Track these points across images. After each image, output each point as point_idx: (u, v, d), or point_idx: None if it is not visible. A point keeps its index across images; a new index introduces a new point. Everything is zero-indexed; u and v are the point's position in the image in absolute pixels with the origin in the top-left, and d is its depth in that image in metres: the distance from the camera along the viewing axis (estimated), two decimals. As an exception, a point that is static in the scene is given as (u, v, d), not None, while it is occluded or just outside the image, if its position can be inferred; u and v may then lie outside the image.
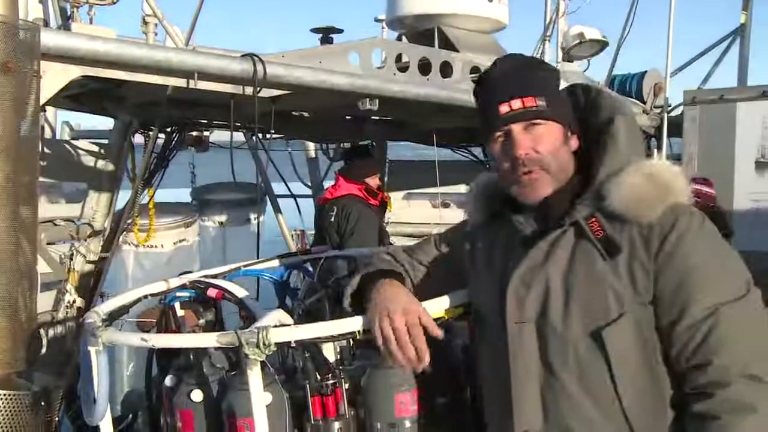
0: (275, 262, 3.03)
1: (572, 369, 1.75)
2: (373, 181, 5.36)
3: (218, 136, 6.66)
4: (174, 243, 6.12)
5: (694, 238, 1.72)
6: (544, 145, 1.79)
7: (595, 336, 1.72)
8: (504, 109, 1.80)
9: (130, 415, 5.39)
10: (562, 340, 1.76)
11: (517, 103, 1.79)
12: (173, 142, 5.37)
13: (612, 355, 1.71)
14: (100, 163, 5.03)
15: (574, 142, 1.88)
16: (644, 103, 5.91)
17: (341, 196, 5.20)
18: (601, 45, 6.05)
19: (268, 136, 5.38)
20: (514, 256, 1.89)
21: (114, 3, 3.64)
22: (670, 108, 5.74)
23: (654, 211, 1.73)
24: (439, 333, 1.90)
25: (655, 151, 5.76)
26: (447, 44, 5.39)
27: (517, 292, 1.81)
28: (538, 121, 1.80)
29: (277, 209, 7.38)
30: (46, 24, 3.59)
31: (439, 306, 2.11)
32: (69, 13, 3.60)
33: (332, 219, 5.14)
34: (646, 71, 6.09)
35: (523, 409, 1.80)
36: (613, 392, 1.72)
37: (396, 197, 7.33)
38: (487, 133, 1.87)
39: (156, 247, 5.93)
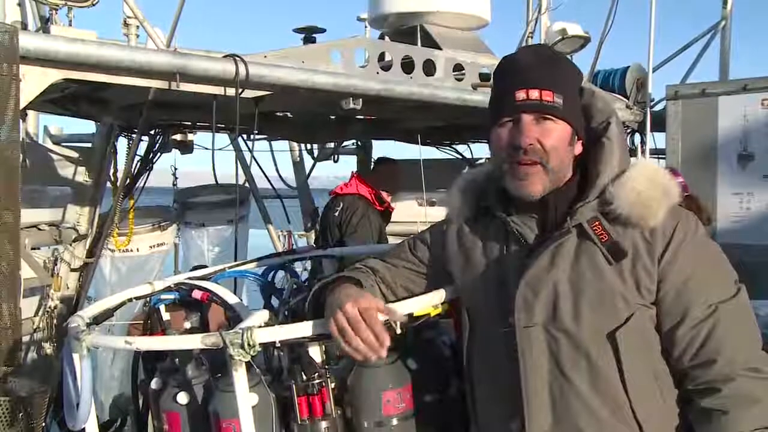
0: (261, 263, 3.03)
1: (583, 370, 1.77)
2: (386, 194, 5.41)
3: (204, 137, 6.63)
4: (150, 246, 6.11)
5: (693, 242, 1.78)
6: (550, 141, 1.79)
7: (609, 338, 1.75)
8: (521, 95, 1.78)
9: (119, 419, 5.38)
10: (574, 342, 1.78)
11: (534, 93, 1.78)
12: (157, 145, 5.34)
13: (623, 356, 1.74)
14: (84, 168, 4.99)
15: (578, 148, 1.88)
16: (627, 98, 5.93)
17: (349, 194, 5.24)
18: (584, 41, 6.06)
19: (252, 136, 5.37)
20: (511, 258, 1.89)
21: (94, 5, 3.60)
22: (653, 103, 5.76)
23: (658, 215, 1.77)
24: (400, 314, 1.90)
25: (639, 145, 5.78)
26: (430, 42, 5.39)
27: (525, 296, 1.82)
28: (550, 116, 1.79)
29: (262, 210, 7.36)
30: (25, 27, 3.56)
31: (423, 303, 2.11)
32: (48, 15, 3.57)
33: (336, 214, 5.20)
34: (628, 66, 6.11)
35: (536, 412, 1.81)
36: (623, 392, 1.75)
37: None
38: (495, 116, 1.85)
39: (132, 251, 5.91)
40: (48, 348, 4.61)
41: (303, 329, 1.98)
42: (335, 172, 7.97)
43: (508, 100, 1.81)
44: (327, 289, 1.97)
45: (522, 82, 1.79)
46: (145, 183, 5.38)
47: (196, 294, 2.51)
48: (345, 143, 7.52)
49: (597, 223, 1.79)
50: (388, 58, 4.65)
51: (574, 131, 1.84)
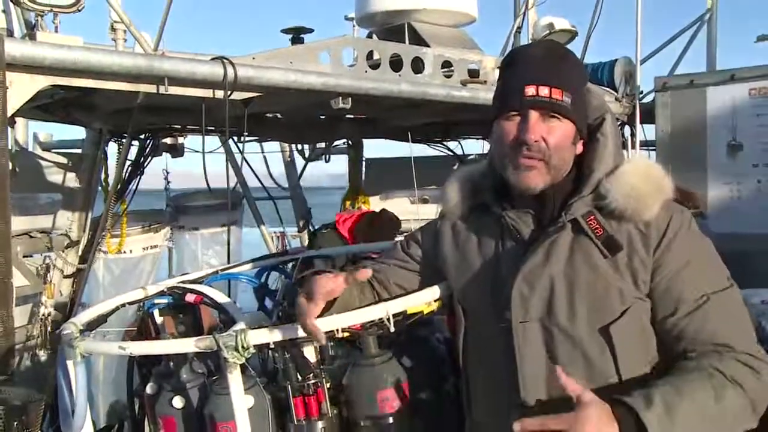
0: (253, 265, 3.02)
1: (579, 365, 1.78)
2: None
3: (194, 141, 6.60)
4: (143, 248, 6.09)
5: (686, 235, 1.79)
6: (554, 139, 1.80)
7: (603, 332, 1.76)
8: (530, 91, 1.79)
9: (116, 425, 5.37)
10: (569, 336, 1.79)
11: (544, 91, 1.78)
12: (147, 150, 5.32)
13: (618, 350, 1.75)
14: (74, 174, 4.98)
15: (579, 147, 1.89)
16: (616, 90, 5.94)
17: None
18: (571, 35, 6.07)
19: (242, 138, 5.36)
20: (507, 253, 1.90)
21: (79, 10, 3.58)
22: (641, 95, 5.76)
23: (652, 209, 1.78)
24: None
25: (629, 138, 5.79)
26: (417, 40, 5.38)
27: (521, 292, 1.83)
28: (557, 115, 1.80)
29: (255, 211, 7.35)
30: (11, 34, 3.53)
31: (418, 300, 2.12)
32: (34, 22, 3.55)
33: None
34: (616, 59, 6.12)
35: (532, 408, 1.81)
36: (619, 385, 1.75)
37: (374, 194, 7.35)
38: (502, 107, 1.85)
39: (125, 252, 5.89)
40: (42, 355, 4.59)
41: (297, 330, 1.98)
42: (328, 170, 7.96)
43: (516, 94, 1.81)
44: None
45: (533, 78, 1.80)
46: (136, 187, 5.37)
47: (189, 297, 2.51)
48: (336, 142, 7.51)
49: (592, 217, 1.80)
50: (376, 56, 4.64)
51: (578, 130, 1.85)
